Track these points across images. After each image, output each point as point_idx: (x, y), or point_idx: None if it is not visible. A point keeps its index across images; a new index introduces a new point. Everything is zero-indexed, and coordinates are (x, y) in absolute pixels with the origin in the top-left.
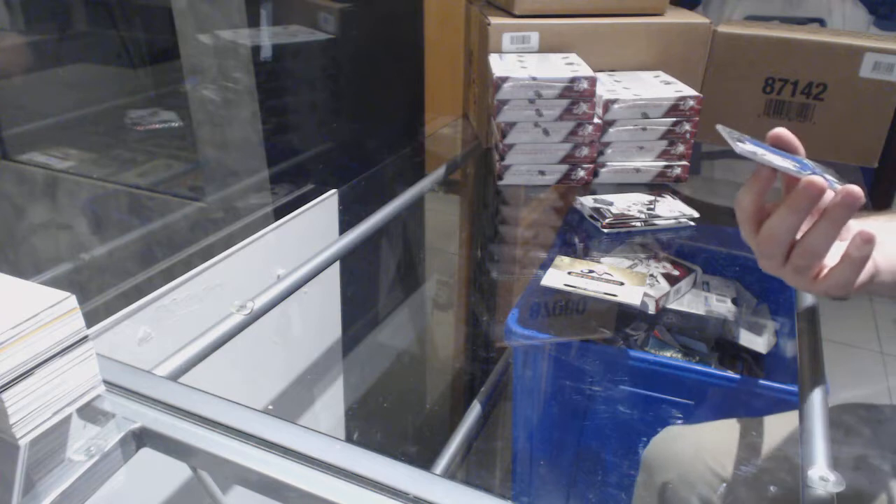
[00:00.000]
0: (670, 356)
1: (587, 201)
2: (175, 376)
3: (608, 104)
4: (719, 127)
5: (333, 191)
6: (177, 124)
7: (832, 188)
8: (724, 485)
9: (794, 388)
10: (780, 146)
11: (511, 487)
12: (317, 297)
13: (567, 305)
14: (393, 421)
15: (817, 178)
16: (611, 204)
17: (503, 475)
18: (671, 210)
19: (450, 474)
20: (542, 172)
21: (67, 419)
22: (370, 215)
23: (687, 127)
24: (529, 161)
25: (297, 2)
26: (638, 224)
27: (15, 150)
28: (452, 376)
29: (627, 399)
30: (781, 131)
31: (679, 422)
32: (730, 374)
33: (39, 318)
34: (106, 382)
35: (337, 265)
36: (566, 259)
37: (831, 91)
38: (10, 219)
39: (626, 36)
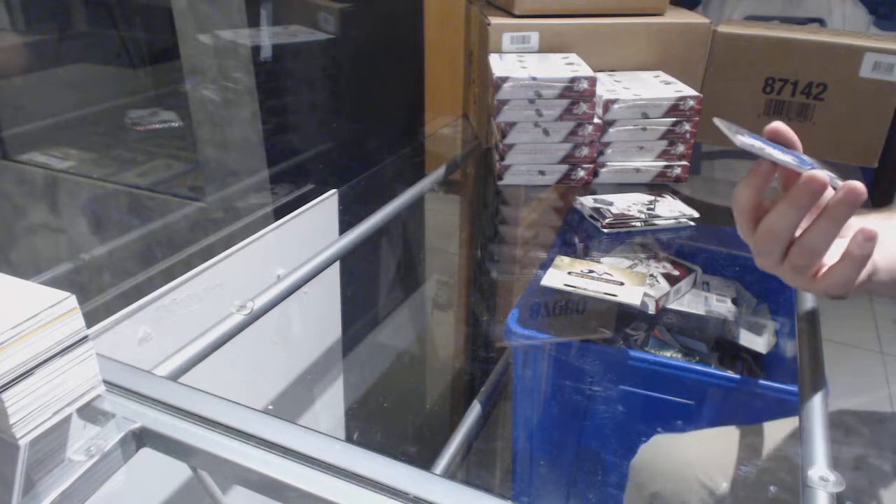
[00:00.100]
0: (670, 356)
1: (587, 201)
2: (175, 376)
3: (608, 104)
4: (717, 120)
5: (333, 191)
6: (177, 124)
7: (833, 185)
8: (714, 500)
9: (794, 388)
10: (778, 140)
11: (511, 487)
12: (317, 297)
13: (567, 305)
14: (393, 421)
15: (819, 173)
16: (611, 204)
17: (503, 475)
18: (671, 210)
19: (450, 474)
20: (542, 172)
21: (67, 419)
22: (370, 215)
23: (687, 127)
24: (529, 161)
25: (297, 2)
26: (638, 224)
27: (15, 150)
28: (452, 376)
29: (627, 399)
30: (779, 125)
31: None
32: (730, 374)
33: (39, 318)
34: (106, 382)
35: (337, 265)
36: (566, 259)
37: (831, 91)
38: (10, 219)
39: (626, 36)
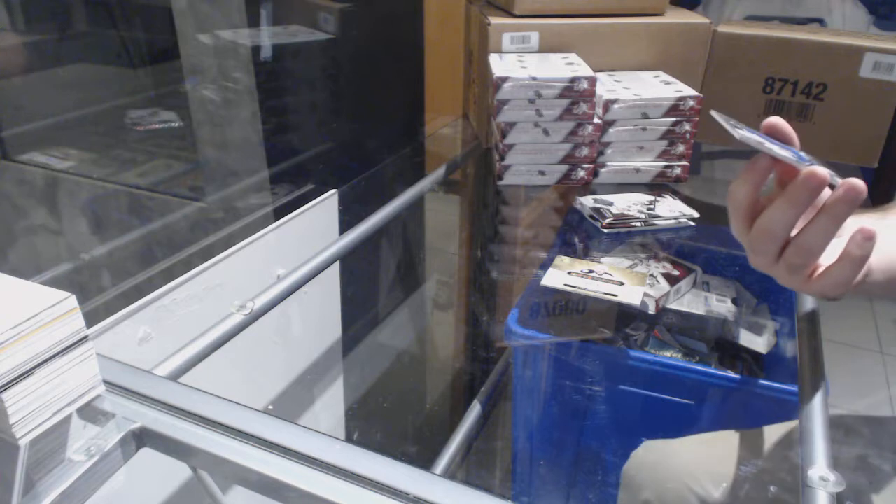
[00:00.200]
0: (670, 356)
1: (587, 201)
2: (175, 376)
3: (608, 104)
4: (714, 113)
5: (333, 191)
6: (177, 124)
7: (832, 182)
8: None
9: (794, 388)
10: (776, 136)
11: (511, 487)
12: (317, 297)
13: (567, 305)
14: (393, 421)
15: (819, 169)
16: (611, 204)
17: (503, 475)
18: (671, 210)
19: (450, 474)
20: (542, 172)
21: (67, 419)
22: (370, 215)
23: (687, 127)
24: (529, 161)
25: (297, 2)
26: (638, 224)
27: (15, 150)
28: (452, 376)
29: (627, 399)
30: (777, 120)
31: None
32: (730, 374)
33: (39, 318)
34: (106, 382)
35: (337, 265)
36: (566, 259)
37: (831, 91)
38: (10, 219)
39: (626, 36)
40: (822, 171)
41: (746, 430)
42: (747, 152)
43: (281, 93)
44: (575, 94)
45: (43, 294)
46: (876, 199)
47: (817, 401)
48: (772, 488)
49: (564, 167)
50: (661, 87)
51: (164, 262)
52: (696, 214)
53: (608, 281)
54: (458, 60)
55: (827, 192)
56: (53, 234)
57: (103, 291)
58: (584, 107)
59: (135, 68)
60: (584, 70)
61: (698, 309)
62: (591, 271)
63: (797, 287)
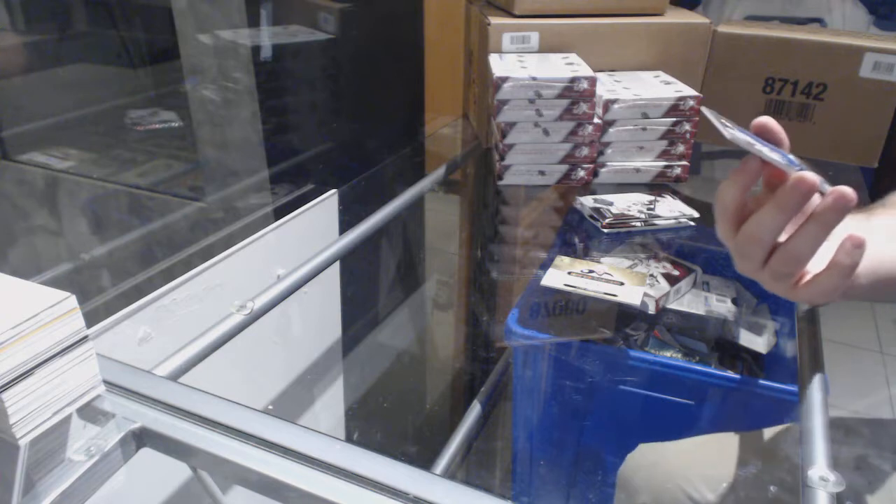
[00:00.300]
0: (670, 356)
1: (587, 201)
2: (175, 376)
3: (608, 104)
4: (705, 110)
5: (333, 191)
6: (177, 124)
7: (821, 189)
8: None
9: (794, 388)
10: (766, 136)
11: (511, 487)
12: (317, 297)
13: (567, 305)
14: (393, 421)
15: (809, 174)
16: (611, 204)
17: (503, 475)
18: (671, 210)
19: (450, 474)
20: (542, 172)
21: (67, 419)
22: (370, 215)
23: (687, 127)
24: (529, 161)
25: (297, 2)
26: (638, 224)
27: (15, 150)
28: (452, 376)
29: (627, 399)
30: (767, 120)
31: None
32: (730, 374)
33: (39, 318)
34: (106, 382)
35: (337, 265)
36: (566, 259)
37: (831, 91)
38: (10, 218)
39: (626, 36)
40: (812, 176)
41: (741, 432)
42: (746, 151)
43: (281, 93)
44: (575, 94)
45: (43, 294)
46: (876, 199)
47: (817, 401)
48: (772, 488)
49: (564, 167)
50: (661, 87)
51: (164, 262)
52: (696, 214)
53: (608, 281)
54: (458, 60)
55: (816, 198)
56: (53, 234)
57: (103, 291)
58: (584, 107)
59: (135, 68)
60: (584, 70)
61: (698, 309)
62: (591, 271)
63: (783, 294)
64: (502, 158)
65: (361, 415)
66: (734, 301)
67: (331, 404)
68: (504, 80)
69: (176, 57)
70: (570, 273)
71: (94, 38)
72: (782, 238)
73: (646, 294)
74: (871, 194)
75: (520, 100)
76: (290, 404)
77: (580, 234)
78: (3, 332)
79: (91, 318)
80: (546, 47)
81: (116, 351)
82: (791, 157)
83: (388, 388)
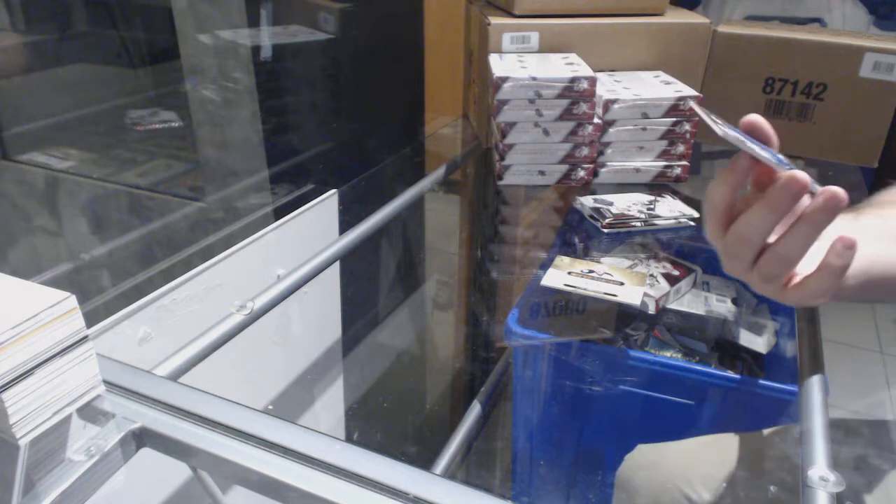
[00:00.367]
0: (670, 356)
1: (587, 201)
2: (175, 376)
3: (608, 104)
4: (697, 108)
5: (333, 191)
6: (177, 124)
7: (811, 189)
8: None
9: (794, 388)
10: (755, 134)
11: (511, 487)
12: (317, 297)
13: (567, 305)
14: (393, 421)
15: (800, 174)
16: (611, 204)
17: (503, 475)
18: (671, 210)
19: (450, 474)
20: (542, 172)
21: (67, 419)
22: (370, 215)
23: (687, 127)
24: (529, 161)
25: (297, 2)
26: (638, 224)
27: (15, 150)
28: (452, 376)
29: (628, 399)
30: (757, 118)
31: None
32: (730, 374)
33: (39, 318)
34: (106, 382)
35: (337, 265)
36: (566, 259)
37: (831, 91)
38: (10, 219)
39: (626, 36)
40: (803, 175)
41: (739, 433)
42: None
43: (281, 93)
44: (575, 94)
45: (43, 294)
46: None
47: (817, 401)
48: (772, 488)
49: (564, 167)
50: (661, 87)
51: (164, 262)
52: (696, 214)
53: (608, 281)
54: (458, 60)
55: (805, 199)
56: (53, 234)
57: (103, 291)
58: (584, 107)
59: (135, 68)
60: (584, 70)
61: (698, 309)
62: (591, 271)
63: (772, 295)
64: (502, 158)
65: (361, 415)
66: (734, 301)
67: (331, 404)
68: (504, 80)
69: (176, 57)
70: (570, 273)
71: (94, 38)
72: (772, 239)
73: (646, 294)
74: (871, 194)
75: (520, 100)
76: (290, 404)
77: (580, 234)
78: (3, 332)
79: (91, 318)
80: (546, 47)
81: (116, 351)
82: (781, 157)
83: (388, 388)
